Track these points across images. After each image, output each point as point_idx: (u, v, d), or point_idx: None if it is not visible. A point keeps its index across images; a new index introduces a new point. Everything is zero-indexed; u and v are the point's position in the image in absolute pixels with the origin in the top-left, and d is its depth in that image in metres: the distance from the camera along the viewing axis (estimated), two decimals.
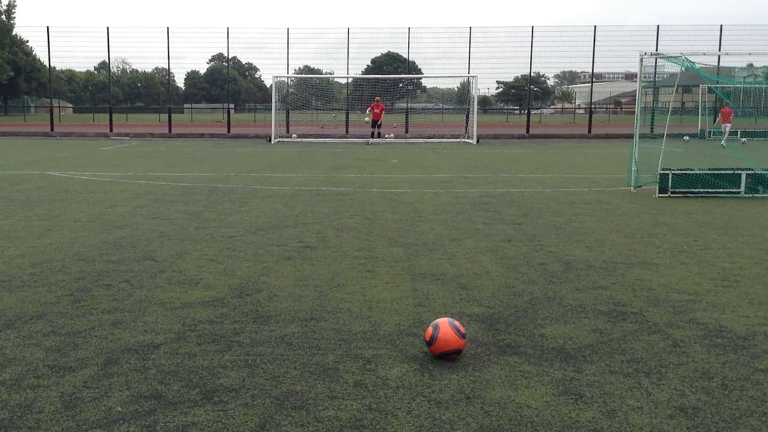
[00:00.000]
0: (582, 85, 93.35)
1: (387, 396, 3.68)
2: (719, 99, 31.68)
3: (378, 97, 30.56)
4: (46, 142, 28.40)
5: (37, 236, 7.98)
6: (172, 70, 45.87)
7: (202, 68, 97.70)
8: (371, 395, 3.69)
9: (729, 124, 29.31)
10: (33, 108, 71.06)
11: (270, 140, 29.58)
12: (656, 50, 29.96)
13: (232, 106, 48.36)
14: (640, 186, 12.57)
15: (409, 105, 41.66)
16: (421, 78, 55.50)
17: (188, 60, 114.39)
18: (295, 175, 15.10)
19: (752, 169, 12.12)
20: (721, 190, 11.90)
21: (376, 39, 62.19)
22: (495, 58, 34.69)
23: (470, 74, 33.09)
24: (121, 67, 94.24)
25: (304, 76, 54.88)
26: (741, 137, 30.37)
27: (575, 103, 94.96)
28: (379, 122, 29.59)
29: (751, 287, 5.90)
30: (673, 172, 11.94)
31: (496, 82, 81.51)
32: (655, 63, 34.11)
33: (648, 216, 9.75)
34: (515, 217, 9.50)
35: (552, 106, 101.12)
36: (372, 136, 29.58)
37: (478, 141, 29.21)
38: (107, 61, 37.54)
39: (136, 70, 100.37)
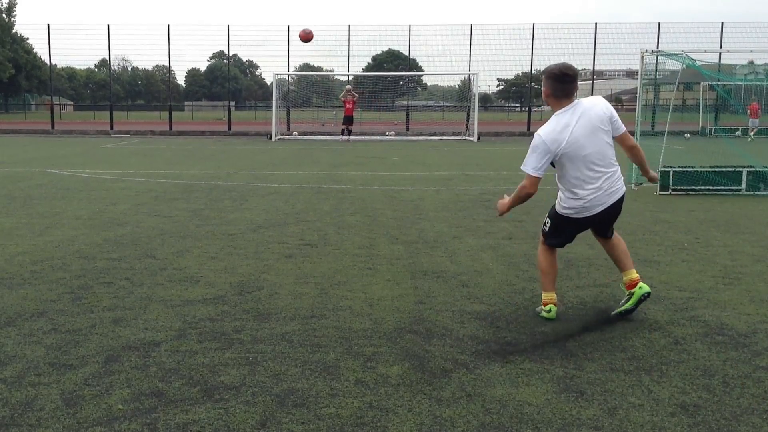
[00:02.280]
0: (583, 82, 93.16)
1: (388, 394, 3.68)
2: (734, 95, 31.69)
3: (349, 86, 28.73)
4: (47, 140, 28.40)
5: (37, 234, 7.98)
6: (172, 68, 45.85)
7: (203, 66, 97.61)
8: (372, 393, 3.69)
9: (758, 120, 29.19)
10: (34, 106, 71.00)
11: (271, 138, 29.57)
12: (657, 47, 29.93)
13: (232, 103, 48.34)
14: (641, 183, 12.55)
15: (409, 102, 41.64)
16: (421, 75, 55.51)
17: (189, 57, 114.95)
18: (296, 173, 15.10)
19: (753, 167, 12.11)
20: (722, 187, 11.89)
21: (376, 36, 62.23)
22: (496, 56, 34.81)
23: (471, 71, 33.08)
24: (121, 64, 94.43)
25: (304, 73, 54.79)
26: (741, 134, 30.36)
27: None
28: (351, 118, 28.14)
29: (752, 285, 5.90)
30: (674, 169, 11.94)
31: (497, 79, 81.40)
32: (656, 60, 33.99)
33: (649, 213, 9.74)
34: (516, 215, 9.47)
35: None
36: (342, 134, 28.32)
37: (478, 138, 29.19)
38: (108, 58, 37.62)
39: (137, 68, 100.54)
